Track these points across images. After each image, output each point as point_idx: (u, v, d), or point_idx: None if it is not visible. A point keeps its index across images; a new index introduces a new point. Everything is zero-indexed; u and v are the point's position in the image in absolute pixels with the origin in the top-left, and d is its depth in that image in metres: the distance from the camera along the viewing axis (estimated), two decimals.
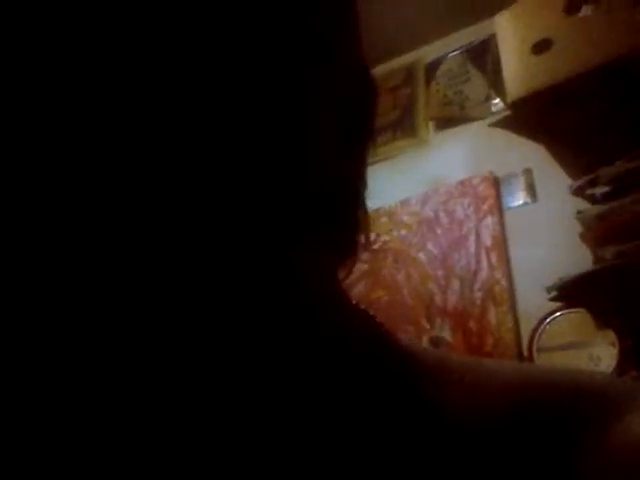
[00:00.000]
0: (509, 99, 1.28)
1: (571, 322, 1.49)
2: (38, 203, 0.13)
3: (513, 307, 1.62)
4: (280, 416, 0.17)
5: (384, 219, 1.83)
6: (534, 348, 1.55)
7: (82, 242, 0.14)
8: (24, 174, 0.13)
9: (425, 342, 1.70)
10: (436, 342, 1.69)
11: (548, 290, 1.28)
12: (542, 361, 1.53)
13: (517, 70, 1.23)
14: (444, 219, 1.75)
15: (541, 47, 1.17)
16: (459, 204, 1.73)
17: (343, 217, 0.20)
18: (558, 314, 1.50)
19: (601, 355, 1.43)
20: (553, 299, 1.35)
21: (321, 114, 0.18)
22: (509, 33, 1.25)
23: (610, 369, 1.37)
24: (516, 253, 1.63)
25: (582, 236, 1.30)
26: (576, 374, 0.23)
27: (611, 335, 1.40)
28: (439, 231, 1.76)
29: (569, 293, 1.27)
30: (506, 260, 1.64)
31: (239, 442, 0.16)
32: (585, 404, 0.20)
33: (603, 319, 1.39)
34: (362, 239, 0.21)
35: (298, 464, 0.17)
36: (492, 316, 1.63)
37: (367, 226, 0.21)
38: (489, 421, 0.20)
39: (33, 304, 0.14)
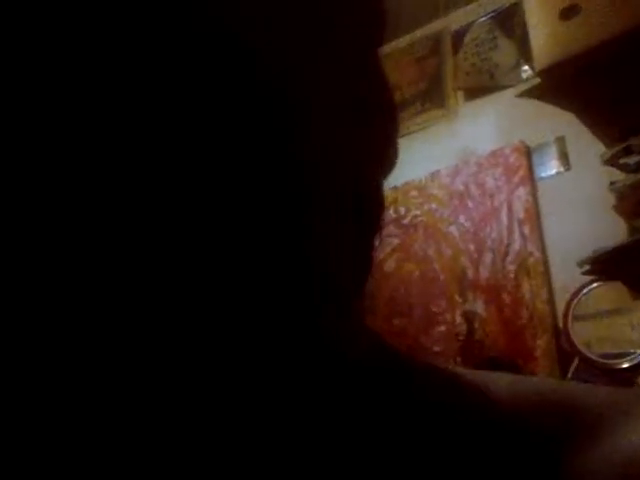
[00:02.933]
0: (537, 67, 1.23)
1: (607, 293, 1.46)
2: (37, 203, 0.13)
3: (547, 279, 1.59)
4: (282, 425, 0.17)
5: (414, 192, 1.81)
6: (569, 319, 1.52)
7: (82, 243, 0.14)
8: (23, 174, 0.13)
9: (458, 316, 1.70)
10: (469, 316, 1.68)
11: (580, 264, 1.25)
12: (578, 331, 1.51)
13: (545, 37, 1.19)
14: (475, 191, 1.72)
15: (569, 13, 1.12)
16: (490, 175, 1.70)
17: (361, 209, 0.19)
18: (593, 285, 1.47)
19: None
20: (587, 272, 1.32)
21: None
22: None
23: None
24: (550, 225, 1.59)
25: (616, 207, 1.26)
26: (572, 387, 0.23)
27: None
28: (470, 204, 1.73)
29: (603, 266, 1.24)
30: (539, 232, 1.60)
31: (239, 446, 0.17)
32: (580, 417, 0.20)
33: (639, 290, 1.35)
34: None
35: (300, 470, 0.18)
36: (526, 289, 1.60)
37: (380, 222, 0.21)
38: (496, 435, 0.20)
39: (33, 304, 0.14)
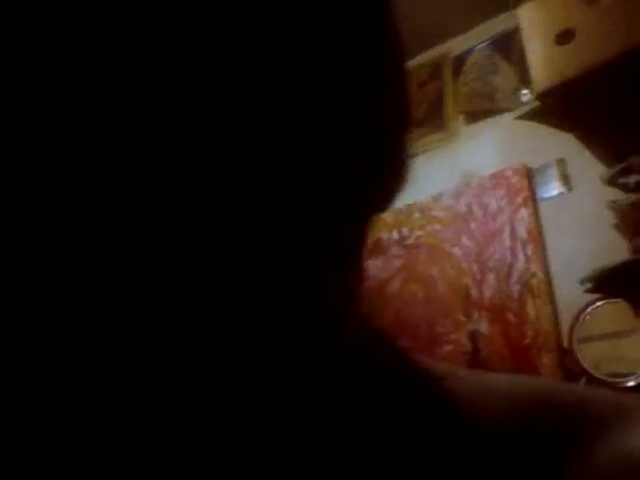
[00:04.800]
0: (536, 90, 1.26)
1: (611, 312, 1.46)
2: (37, 203, 0.13)
3: (551, 299, 1.60)
4: (285, 425, 0.18)
5: (417, 214, 1.83)
6: (574, 339, 1.52)
7: (81, 243, 0.14)
8: (23, 174, 0.13)
9: (463, 336, 1.70)
10: (474, 335, 1.69)
11: (582, 282, 1.26)
12: (584, 352, 1.51)
13: (542, 61, 1.22)
14: (478, 212, 1.74)
15: (564, 37, 1.16)
16: (492, 197, 1.72)
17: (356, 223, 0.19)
18: (598, 304, 1.47)
19: None
20: (589, 290, 1.33)
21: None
22: (532, 24, 1.24)
23: None
24: (552, 244, 1.61)
25: (617, 226, 1.28)
26: (575, 389, 0.23)
27: None
28: (473, 225, 1.74)
29: (605, 284, 1.25)
30: (542, 252, 1.62)
31: (240, 446, 0.17)
32: (582, 420, 0.20)
33: None
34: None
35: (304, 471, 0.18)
36: (530, 308, 1.61)
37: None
38: (495, 432, 0.20)
39: (33, 304, 0.14)
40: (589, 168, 1.46)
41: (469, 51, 1.78)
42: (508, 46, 1.69)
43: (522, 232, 1.65)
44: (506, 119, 1.68)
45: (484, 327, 1.68)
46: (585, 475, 0.19)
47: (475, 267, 1.72)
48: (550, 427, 0.20)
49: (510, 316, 1.64)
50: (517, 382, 0.23)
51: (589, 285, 1.31)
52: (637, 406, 0.21)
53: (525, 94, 1.65)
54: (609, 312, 1.47)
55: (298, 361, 0.17)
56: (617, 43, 1.07)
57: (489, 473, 0.19)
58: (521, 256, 1.65)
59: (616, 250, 1.31)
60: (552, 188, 1.63)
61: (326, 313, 0.18)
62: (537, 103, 1.34)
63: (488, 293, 1.68)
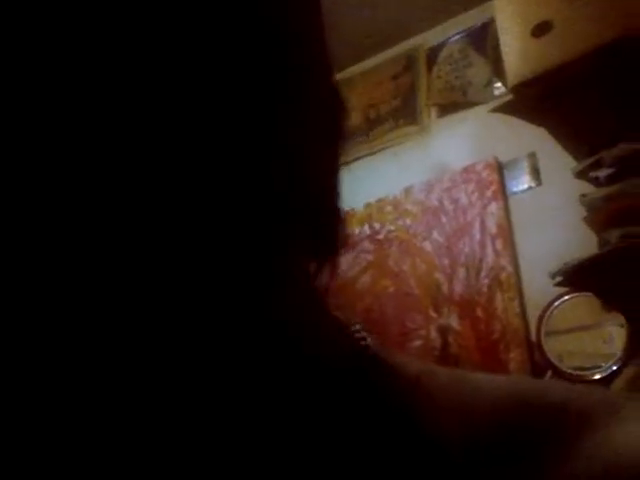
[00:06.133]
0: (510, 83, 1.27)
1: (579, 306, 1.48)
2: (36, 203, 0.14)
3: (520, 293, 1.61)
4: (256, 423, 0.17)
5: (388, 208, 1.83)
6: (542, 333, 1.54)
7: (80, 242, 0.14)
8: (23, 174, 0.13)
9: (433, 331, 1.70)
10: (444, 330, 1.69)
11: (552, 275, 1.27)
12: (551, 345, 1.53)
13: (517, 54, 1.22)
14: (449, 207, 1.74)
15: (541, 30, 1.16)
16: (463, 191, 1.72)
17: (322, 224, 0.20)
18: (565, 298, 1.49)
19: (614, 335, 1.43)
20: (559, 284, 1.35)
21: (295, 129, 0.18)
22: (508, 16, 1.24)
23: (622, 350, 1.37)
24: (521, 239, 1.62)
25: (586, 220, 1.29)
26: (558, 387, 0.23)
27: (620, 317, 1.39)
28: (444, 219, 1.75)
29: (574, 278, 1.27)
30: (511, 246, 1.63)
31: (228, 444, 0.17)
32: (567, 418, 0.20)
33: (610, 302, 1.38)
34: (338, 244, 0.21)
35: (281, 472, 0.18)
36: (499, 303, 1.62)
37: (344, 233, 0.22)
38: (470, 434, 0.20)
39: (32, 304, 0.14)
40: (559, 162, 1.48)
41: (443, 43, 1.78)
42: (482, 39, 1.70)
43: (492, 226, 1.66)
44: (478, 112, 1.69)
45: (454, 322, 1.68)
46: (569, 473, 0.18)
47: (446, 262, 1.72)
48: (532, 425, 0.20)
49: (479, 311, 1.65)
50: (498, 380, 0.22)
51: (558, 279, 1.33)
52: (623, 402, 0.21)
53: (498, 87, 1.66)
54: (577, 306, 1.49)
55: (262, 358, 0.17)
56: (593, 37, 1.08)
57: (463, 476, 0.19)
58: (490, 250, 1.66)
59: (586, 244, 1.32)
60: (522, 182, 1.64)
61: (288, 302, 0.18)
62: (510, 96, 1.34)
63: (458, 288, 1.69)
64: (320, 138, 0.20)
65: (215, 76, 0.15)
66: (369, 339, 0.23)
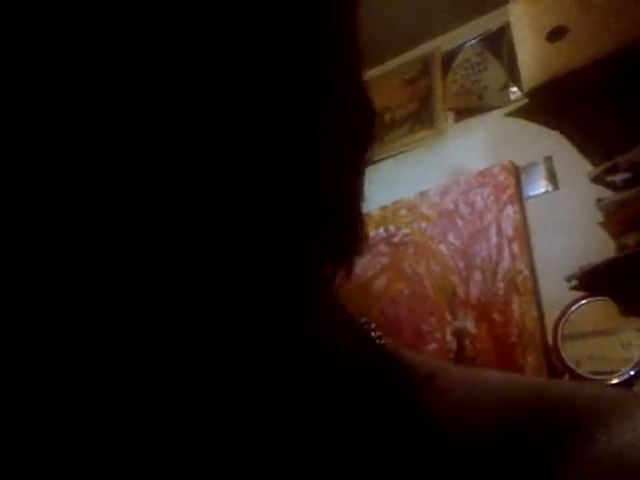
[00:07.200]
0: (525, 88, 1.26)
1: (596, 310, 1.47)
2: (36, 203, 0.13)
3: (537, 297, 1.60)
4: (270, 423, 0.18)
5: (403, 211, 1.83)
6: (559, 337, 1.53)
7: (82, 242, 0.14)
8: (23, 174, 0.13)
9: (449, 334, 1.70)
10: (460, 333, 1.69)
11: (568, 279, 1.26)
12: (568, 349, 1.51)
13: (532, 58, 1.22)
14: (464, 210, 1.74)
15: (556, 34, 1.15)
16: (479, 194, 1.72)
17: (345, 227, 0.20)
18: (582, 302, 1.48)
19: (632, 341, 1.41)
20: (575, 288, 1.34)
21: (324, 137, 0.18)
22: (523, 21, 1.23)
23: None
24: (538, 242, 1.61)
25: (603, 224, 1.28)
26: (567, 385, 0.23)
27: (638, 321, 1.38)
28: (459, 222, 1.74)
29: (591, 282, 1.26)
30: (528, 250, 1.62)
31: (232, 443, 0.17)
32: (575, 416, 0.20)
33: (627, 306, 1.37)
34: (358, 248, 0.21)
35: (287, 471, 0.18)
36: (516, 306, 1.61)
37: (363, 235, 0.21)
38: (480, 432, 0.20)
39: (33, 304, 0.14)
40: (576, 166, 1.47)
41: (459, 47, 1.78)
42: (498, 43, 1.70)
43: (508, 230, 1.66)
44: (494, 116, 1.68)
45: (470, 325, 1.68)
46: (578, 471, 0.19)
47: (461, 265, 1.72)
48: (541, 424, 0.20)
49: (496, 314, 1.64)
50: (509, 379, 0.23)
51: (575, 283, 1.32)
52: (632, 401, 0.21)
53: (514, 92, 1.65)
54: (594, 310, 1.48)
55: (277, 359, 0.17)
56: (607, 42, 1.07)
57: (472, 475, 0.19)
58: (507, 254, 1.65)
59: (602, 248, 1.31)
60: (539, 186, 1.63)
61: (305, 303, 0.18)
62: (526, 100, 1.34)
63: (474, 291, 1.68)
64: (349, 141, 0.20)
65: (255, 77, 0.15)
66: (383, 338, 0.22)
